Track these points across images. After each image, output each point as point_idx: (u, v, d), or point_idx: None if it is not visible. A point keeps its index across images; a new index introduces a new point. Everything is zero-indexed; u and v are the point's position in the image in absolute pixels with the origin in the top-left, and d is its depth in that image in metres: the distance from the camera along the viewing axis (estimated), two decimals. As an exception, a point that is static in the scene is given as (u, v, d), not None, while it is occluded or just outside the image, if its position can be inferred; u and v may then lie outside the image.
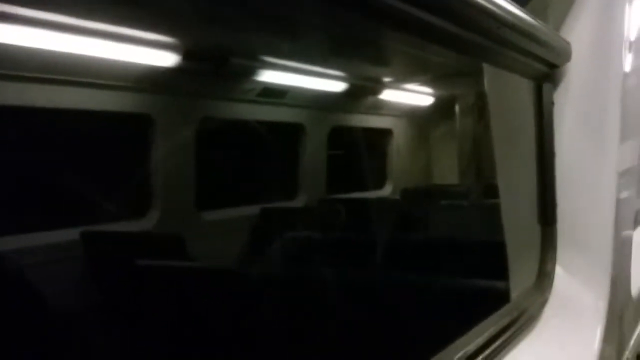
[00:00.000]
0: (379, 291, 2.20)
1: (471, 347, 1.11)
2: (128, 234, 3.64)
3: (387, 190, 6.30)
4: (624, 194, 1.65)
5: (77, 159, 3.34)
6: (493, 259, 1.58)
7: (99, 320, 2.81)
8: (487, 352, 1.15)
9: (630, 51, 1.68)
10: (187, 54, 3.38)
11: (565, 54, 1.41)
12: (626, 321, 1.80)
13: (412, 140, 6.60)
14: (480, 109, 5.57)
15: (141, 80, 3.50)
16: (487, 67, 1.43)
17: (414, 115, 6.42)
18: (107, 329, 2.67)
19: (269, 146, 4.80)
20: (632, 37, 1.68)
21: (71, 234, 3.24)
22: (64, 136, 3.26)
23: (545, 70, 1.40)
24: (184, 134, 3.90)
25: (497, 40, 1.10)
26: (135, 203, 3.83)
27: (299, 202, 5.04)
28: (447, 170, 6.70)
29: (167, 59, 3.33)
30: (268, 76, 4.05)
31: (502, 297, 1.47)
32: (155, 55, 3.26)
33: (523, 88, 1.49)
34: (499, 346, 1.20)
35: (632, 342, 1.88)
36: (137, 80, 3.49)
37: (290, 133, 4.95)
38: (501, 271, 1.52)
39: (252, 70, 3.98)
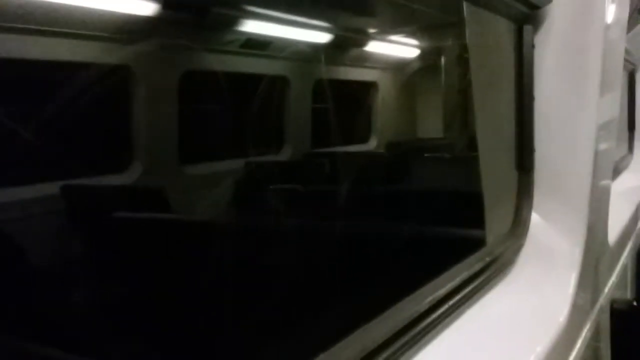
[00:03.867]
0: (364, 240, 2.21)
1: (442, 291, 1.11)
2: (110, 188, 3.61)
3: (372, 144, 6.27)
4: (603, 145, 1.64)
5: (56, 111, 3.27)
6: (472, 208, 1.58)
7: (79, 275, 2.80)
8: (459, 296, 1.15)
9: (613, 1, 1.64)
10: (168, 3, 3.29)
11: (546, -6, 1.37)
12: (601, 269, 1.82)
13: (398, 94, 6.54)
14: (465, 61, 5.50)
15: (120, 31, 3.41)
16: (467, 9, 1.39)
17: (399, 68, 6.35)
18: (88, 284, 2.66)
19: (252, 99, 4.74)
20: None
21: (51, 188, 3.20)
22: (40, 88, 3.18)
23: (526, 11, 1.36)
24: (165, 86, 3.83)
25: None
26: (117, 157, 3.78)
27: (283, 155, 5.02)
28: (431, 124, 6.68)
29: (147, 9, 3.24)
30: (251, 27, 3.96)
31: (479, 244, 1.47)
32: (135, 4, 3.16)
33: (504, 31, 1.45)
34: (471, 290, 1.20)
35: (606, 289, 1.90)
36: (116, 31, 3.39)
37: (274, 86, 4.88)
38: (479, 219, 1.52)
39: (234, 21, 3.89)
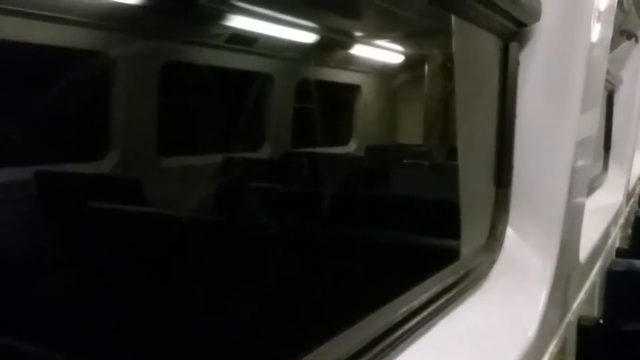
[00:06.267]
0: (337, 244, 2.20)
1: (416, 303, 1.11)
2: (85, 176, 3.56)
3: (351, 147, 6.29)
4: (580, 163, 1.66)
5: (34, 96, 3.21)
6: (447, 218, 1.59)
7: (50, 264, 2.75)
8: (431, 308, 1.15)
9: (598, 21, 1.66)
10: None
11: (534, 13, 1.38)
12: (571, 286, 1.84)
13: (380, 98, 6.56)
14: (449, 71, 5.55)
15: (104, 18, 3.36)
16: (455, 22, 1.40)
17: (383, 73, 6.38)
18: (59, 274, 2.61)
19: (235, 95, 4.71)
20: (602, 7, 1.66)
21: (24, 173, 3.15)
22: (19, 72, 3.12)
23: (513, 28, 1.37)
24: (146, 76, 3.78)
25: (467, -9, 1.07)
26: (94, 145, 3.73)
27: (263, 153, 5.00)
28: (411, 130, 6.72)
29: (133, -3, 3.21)
30: (237, 22, 3.94)
31: (453, 256, 1.48)
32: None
33: (490, 47, 1.46)
34: (444, 303, 1.21)
35: (575, 305, 1.93)
36: (100, 18, 3.35)
37: (258, 83, 4.86)
38: (455, 231, 1.52)
39: (221, 15, 3.86)
